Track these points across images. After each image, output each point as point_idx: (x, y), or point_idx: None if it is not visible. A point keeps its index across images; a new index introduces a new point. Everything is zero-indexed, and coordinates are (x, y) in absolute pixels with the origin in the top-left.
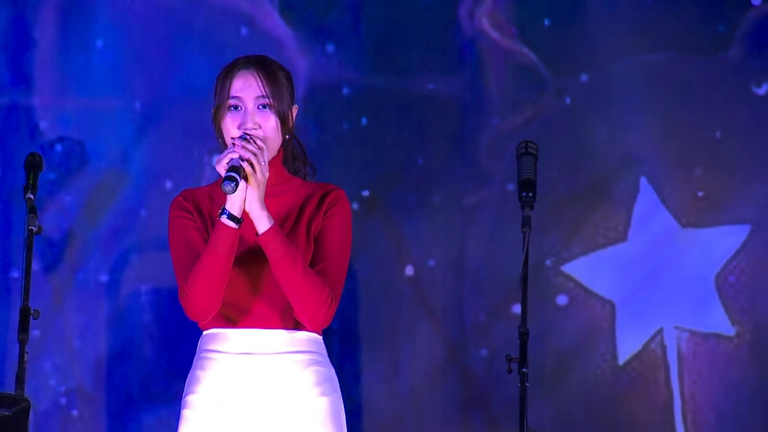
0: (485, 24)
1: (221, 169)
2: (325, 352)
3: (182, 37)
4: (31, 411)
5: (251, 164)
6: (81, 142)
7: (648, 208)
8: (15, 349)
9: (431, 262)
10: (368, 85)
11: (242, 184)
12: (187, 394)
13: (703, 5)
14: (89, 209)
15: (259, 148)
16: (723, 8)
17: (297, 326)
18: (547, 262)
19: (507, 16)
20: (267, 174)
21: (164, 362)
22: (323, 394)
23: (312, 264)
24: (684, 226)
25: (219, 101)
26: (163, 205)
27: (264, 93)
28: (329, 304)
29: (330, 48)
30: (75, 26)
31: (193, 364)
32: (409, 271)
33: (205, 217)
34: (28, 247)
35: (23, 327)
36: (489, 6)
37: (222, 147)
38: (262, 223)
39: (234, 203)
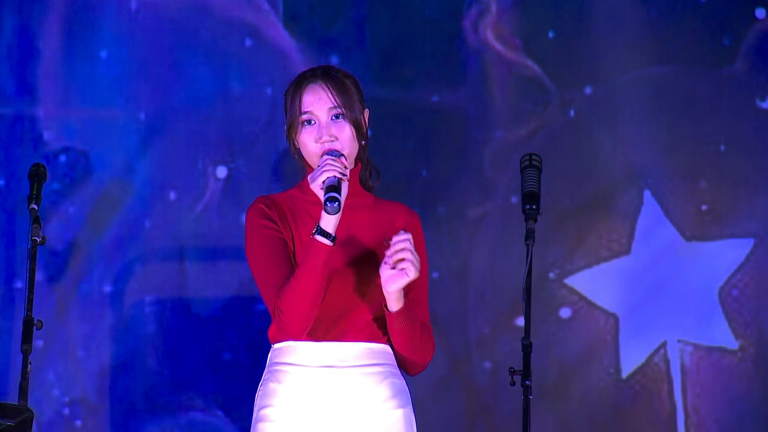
0: (489, 36)
1: (316, 188)
2: (395, 363)
3: (187, 47)
4: (34, 421)
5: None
6: (85, 152)
7: (652, 220)
8: (18, 359)
9: (435, 274)
10: (373, 96)
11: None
12: (261, 408)
13: (707, 18)
14: (93, 220)
15: (345, 167)
16: (728, 21)
17: (372, 338)
18: (551, 275)
19: (511, 29)
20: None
21: (168, 373)
22: (399, 406)
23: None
24: (688, 239)
25: (291, 117)
26: (167, 215)
27: (336, 103)
28: (434, 351)
29: (334, 59)
30: (80, 37)
31: (265, 377)
32: None
33: (290, 225)
34: (32, 258)
35: (27, 337)
36: (493, 18)
37: (299, 162)
38: (398, 304)
39: (329, 221)
